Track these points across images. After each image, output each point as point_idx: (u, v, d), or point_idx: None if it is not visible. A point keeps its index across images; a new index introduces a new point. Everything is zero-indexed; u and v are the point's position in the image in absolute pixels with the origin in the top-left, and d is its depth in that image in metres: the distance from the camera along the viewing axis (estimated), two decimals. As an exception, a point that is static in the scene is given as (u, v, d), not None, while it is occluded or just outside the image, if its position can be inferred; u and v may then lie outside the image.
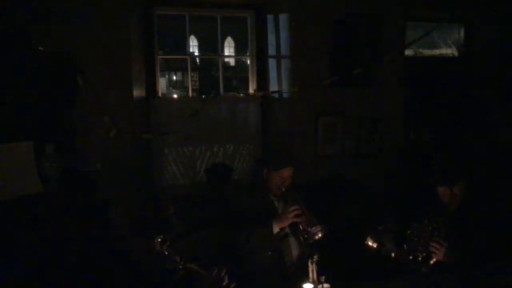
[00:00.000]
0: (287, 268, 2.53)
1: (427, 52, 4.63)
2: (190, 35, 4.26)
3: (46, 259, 2.32)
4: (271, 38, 3.94)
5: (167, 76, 7.60)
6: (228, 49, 8.20)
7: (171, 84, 7.76)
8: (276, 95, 3.92)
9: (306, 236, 2.41)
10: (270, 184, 2.61)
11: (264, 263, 2.49)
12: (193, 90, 5.01)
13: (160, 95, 3.87)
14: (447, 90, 4.39)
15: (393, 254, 2.38)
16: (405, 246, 2.35)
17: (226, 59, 8.32)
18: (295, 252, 2.57)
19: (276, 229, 2.44)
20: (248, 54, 4.11)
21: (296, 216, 2.41)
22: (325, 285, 2.01)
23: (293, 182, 2.63)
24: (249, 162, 3.98)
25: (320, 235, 2.36)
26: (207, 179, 3.71)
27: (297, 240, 2.55)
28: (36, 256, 2.31)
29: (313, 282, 2.01)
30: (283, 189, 2.56)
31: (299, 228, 2.45)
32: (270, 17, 3.92)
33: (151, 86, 3.75)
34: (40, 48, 2.85)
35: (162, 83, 4.36)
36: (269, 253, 2.49)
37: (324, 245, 2.40)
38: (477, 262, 2.13)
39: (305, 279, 2.04)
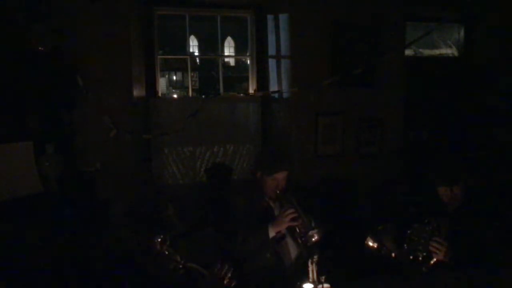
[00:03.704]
0: (287, 269, 2.52)
1: (427, 52, 4.63)
2: (190, 35, 4.26)
3: (46, 259, 2.32)
4: (271, 38, 3.93)
5: (167, 76, 7.60)
6: (228, 49, 8.21)
7: (171, 84, 7.77)
8: (276, 95, 3.92)
9: (303, 238, 2.39)
10: (265, 187, 2.58)
11: (263, 265, 2.48)
12: (193, 90, 5.03)
13: (160, 95, 3.87)
14: (447, 90, 4.39)
15: (393, 254, 2.38)
16: (405, 246, 2.34)
17: (226, 59, 8.33)
18: (293, 253, 2.56)
19: (272, 233, 2.41)
20: (248, 54, 4.11)
21: (292, 219, 2.37)
22: (325, 285, 2.00)
23: (290, 184, 2.59)
24: (249, 162, 3.98)
25: (316, 237, 2.33)
26: (207, 179, 3.71)
27: (295, 241, 2.53)
28: (37, 256, 2.31)
29: (313, 282, 2.01)
30: (278, 192, 2.53)
31: (296, 230, 2.44)
32: (270, 17, 3.92)
33: (151, 86, 3.75)
34: (40, 48, 2.85)
35: (162, 83, 4.36)
36: (268, 255, 2.48)
37: (324, 245, 2.39)
38: (477, 262, 2.13)
39: (305, 279, 2.04)
